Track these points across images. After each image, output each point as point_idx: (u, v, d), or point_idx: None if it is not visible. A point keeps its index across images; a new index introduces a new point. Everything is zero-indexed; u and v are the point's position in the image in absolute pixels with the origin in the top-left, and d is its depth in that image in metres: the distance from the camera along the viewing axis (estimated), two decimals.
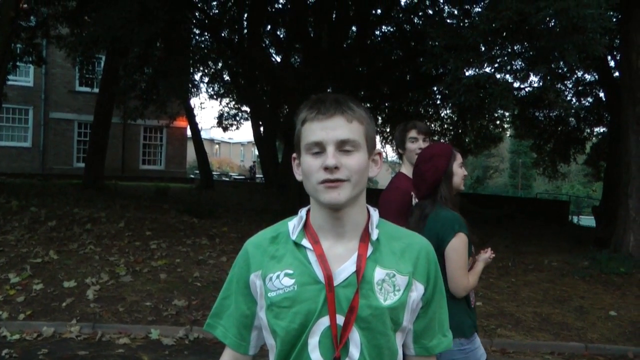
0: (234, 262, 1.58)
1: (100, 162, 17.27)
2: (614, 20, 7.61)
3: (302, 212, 1.52)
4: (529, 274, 9.36)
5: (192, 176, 33.32)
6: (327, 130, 1.39)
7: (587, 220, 25.69)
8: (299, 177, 1.48)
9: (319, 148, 1.39)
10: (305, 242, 1.45)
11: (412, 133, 3.56)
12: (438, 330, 1.54)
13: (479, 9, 9.25)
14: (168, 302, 6.92)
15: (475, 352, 2.85)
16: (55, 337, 6.08)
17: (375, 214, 1.51)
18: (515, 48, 9.14)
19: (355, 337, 1.40)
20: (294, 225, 1.50)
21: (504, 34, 8.05)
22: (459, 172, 2.97)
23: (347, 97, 1.46)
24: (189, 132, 30.55)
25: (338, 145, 1.38)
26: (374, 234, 1.46)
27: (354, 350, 1.40)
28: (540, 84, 10.44)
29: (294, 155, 1.50)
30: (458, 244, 2.77)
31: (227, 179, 35.05)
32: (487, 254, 3.03)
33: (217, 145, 66.97)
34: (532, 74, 10.40)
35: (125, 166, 27.77)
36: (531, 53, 8.76)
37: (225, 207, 14.01)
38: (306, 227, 1.49)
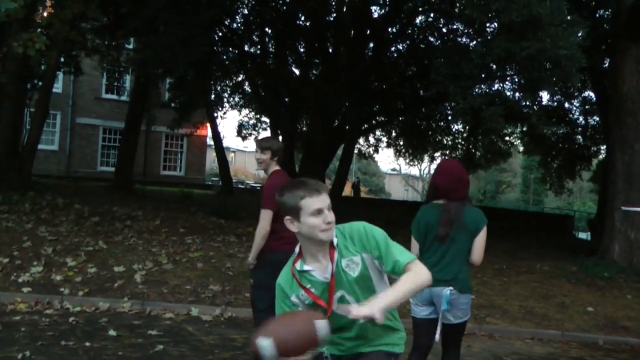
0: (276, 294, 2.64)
1: (129, 166, 18.45)
2: (585, 59, 8.76)
3: (296, 248, 2.59)
4: (521, 275, 10.35)
5: (209, 183, 34.39)
6: (323, 202, 2.45)
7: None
8: (294, 229, 2.49)
9: (319, 212, 2.42)
10: (306, 267, 2.53)
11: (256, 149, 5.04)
12: (397, 262, 2.52)
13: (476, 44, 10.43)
14: (205, 287, 8.07)
15: (470, 304, 4.16)
16: (111, 310, 7.22)
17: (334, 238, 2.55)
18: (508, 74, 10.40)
19: (349, 299, 2.53)
20: (298, 263, 2.56)
21: (495, 66, 9.30)
22: None
23: (316, 180, 2.56)
24: (208, 140, 31.70)
25: (328, 208, 2.47)
26: (335, 242, 2.52)
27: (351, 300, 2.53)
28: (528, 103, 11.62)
29: (289, 217, 2.48)
30: (485, 231, 4.10)
31: (242, 186, 36.16)
32: None
33: (232, 154, 68.07)
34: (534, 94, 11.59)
35: (147, 171, 28.91)
36: (520, 82, 10.05)
37: (247, 211, 15.08)
38: (300, 254, 2.56)
